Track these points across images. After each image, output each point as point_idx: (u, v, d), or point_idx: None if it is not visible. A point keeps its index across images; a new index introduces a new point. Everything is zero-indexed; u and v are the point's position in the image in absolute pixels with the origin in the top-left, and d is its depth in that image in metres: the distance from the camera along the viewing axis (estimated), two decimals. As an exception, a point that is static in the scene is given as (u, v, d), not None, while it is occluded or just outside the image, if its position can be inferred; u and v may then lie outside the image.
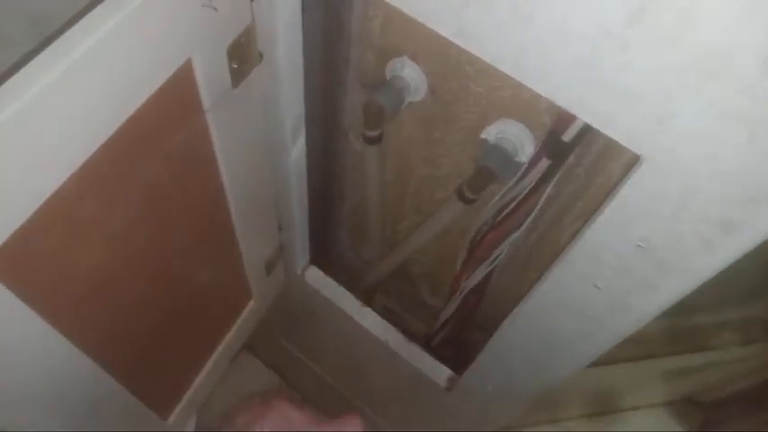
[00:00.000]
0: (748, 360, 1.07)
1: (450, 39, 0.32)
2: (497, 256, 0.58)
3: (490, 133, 0.50)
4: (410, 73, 0.51)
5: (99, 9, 0.29)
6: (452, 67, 0.48)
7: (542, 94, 0.31)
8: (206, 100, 0.40)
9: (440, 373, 0.73)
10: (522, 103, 0.46)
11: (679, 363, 1.09)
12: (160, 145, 0.38)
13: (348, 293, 0.79)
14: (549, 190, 0.48)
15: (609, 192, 0.48)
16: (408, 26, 0.48)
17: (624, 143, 0.30)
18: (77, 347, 0.40)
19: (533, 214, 0.51)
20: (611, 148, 0.45)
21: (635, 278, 0.36)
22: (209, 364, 0.67)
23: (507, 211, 0.51)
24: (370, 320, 0.77)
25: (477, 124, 0.52)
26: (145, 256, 0.43)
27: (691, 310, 1.01)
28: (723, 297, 0.97)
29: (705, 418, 1.32)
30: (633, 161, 0.44)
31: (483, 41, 0.31)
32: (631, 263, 0.36)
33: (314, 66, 0.53)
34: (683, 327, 1.04)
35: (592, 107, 0.30)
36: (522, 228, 0.53)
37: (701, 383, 1.23)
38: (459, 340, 0.78)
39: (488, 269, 0.60)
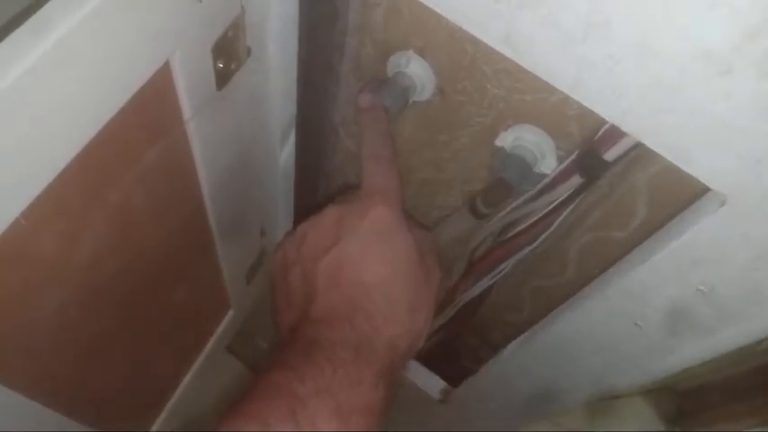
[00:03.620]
0: (732, 353, 1.07)
1: (494, 47, 0.27)
2: (501, 271, 0.54)
3: (505, 140, 0.44)
4: (416, 69, 0.45)
5: (55, 3, 0.23)
6: (467, 65, 0.43)
7: (606, 119, 0.26)
8: (187, 106, 0.33)
9: (433, 384, 0.69)
10: (546, 108, 0.41)
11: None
12: (134, 163, 0.31)
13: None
14: (572, 206, 0.43)
15: (632, 206, 0.44)
16: (417, 18, 0.43)
17: (704, 180, 0.25)
18: (36, 402, 0.34)
19: (550, 230, 0.46)
20: (640, 159, 0.41)
21: (686, 322, 0.32)
22: (186, 380, 0.62)
23: (523, 226, 0.46)
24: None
25: (488, 128, 0.46)
26: (114, 286, 0.37)
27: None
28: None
29: (681, 405, 1.33)
30: (664, 175, 0.40)
31: (537, 53, 0.26)
32: (685, 305, 0.31)
33: (305, 59, 0.47)
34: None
35: (668, 137, 0.25)
36: (536, 243, 0.48)
37: (682, 373, 1.23)
38: (450, 350, 0.74)
39: (490, 283, 0.56)
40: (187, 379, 0.62)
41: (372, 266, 0.36)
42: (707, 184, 0.25)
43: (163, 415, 0.60)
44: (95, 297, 0.35)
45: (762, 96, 0.21)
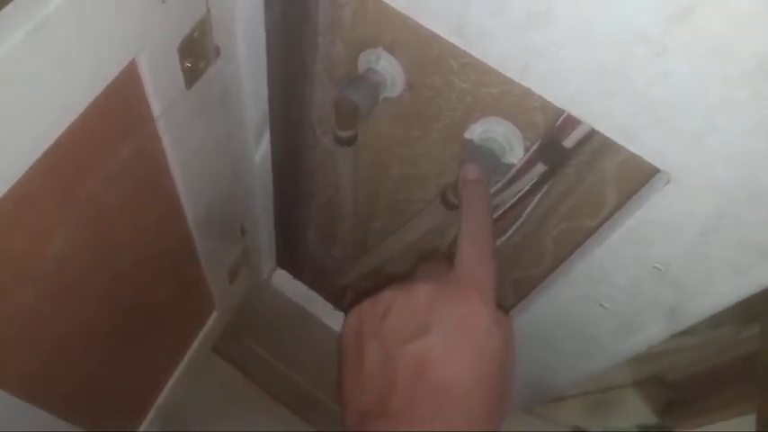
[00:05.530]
0: (717, 342, 1.08)
1: (446, 38, 0.28)
2: (479, 260, 0.54)
3: (474, 132, 0.45)
4: (386, 66, 0.46)
5: (16, 4, 0.23)
6: (434, 60, 0.43)
7: (555, 104, 0.27)
8: (156, 106, 0.34)
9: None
10: (511, 100, 0.42)
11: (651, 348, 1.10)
12: (104, 161, 0.32)
13: (316, 296, 0.75)
14: (540, 195, 0.44)
15: (602, 195, 0.45)
16: (384, 15, 0.43)
17: (650, 159, 0.26)
18: (15, 396, 0.34)
19: (521, 219, 0.47)
20: (606, 147, 0.42)
21: (647, 300, 0.33)
22: (172, 381, 0.62)
23: (495, 215, 0.47)
24: (340, 322, 0.73)
25: (459, 121, 0.47)
26: (89, 284, 0.37)
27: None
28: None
29: (671, 395, 1.35)
30: (630, 162, 0.41)
31: (486, 43, 0.26)
32: (645, 285, 0.32)
33: (276, 58, 0.48)
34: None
35: (614, 120, 0.26)
36: (509, 233, 0.49)
37: (670, 364, 1.24)
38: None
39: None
40: (173, 379, 0.63)
41: (459, 371, 0.34)
42: (653, 163, 0.26)
43: (150, 415, 0.61)
44: (71, 295, 0.36)
45: (694, 76, 0.22)
